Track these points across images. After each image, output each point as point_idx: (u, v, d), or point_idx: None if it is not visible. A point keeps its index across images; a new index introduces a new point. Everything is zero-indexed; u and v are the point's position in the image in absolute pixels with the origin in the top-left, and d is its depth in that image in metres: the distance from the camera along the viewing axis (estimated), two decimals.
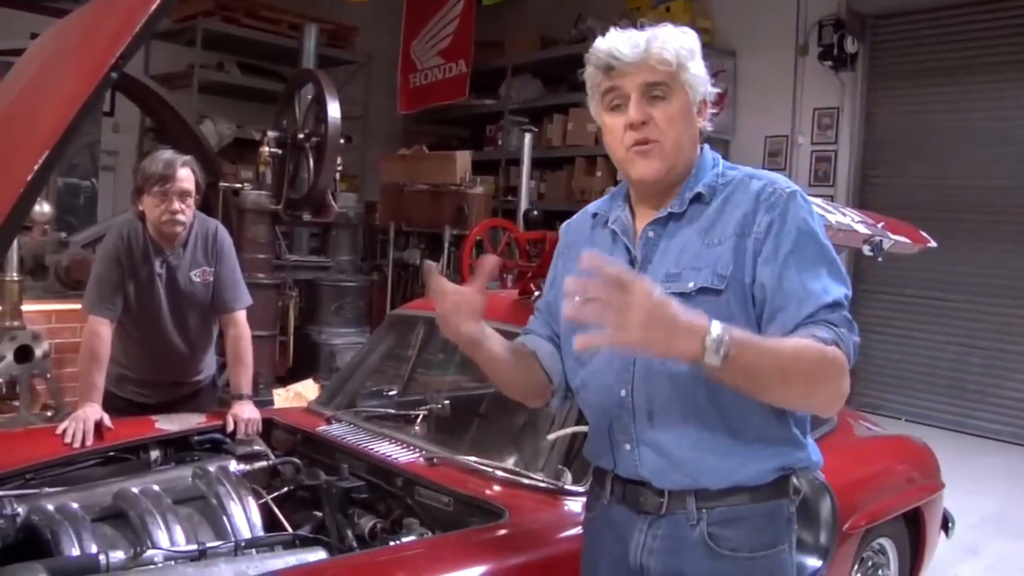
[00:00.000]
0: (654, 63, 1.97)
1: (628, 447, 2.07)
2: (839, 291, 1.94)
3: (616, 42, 2.00)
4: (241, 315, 3.84)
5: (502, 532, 2.55)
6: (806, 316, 1.89)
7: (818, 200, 3.47)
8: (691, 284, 1.97)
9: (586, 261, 1.70)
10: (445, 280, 2.12)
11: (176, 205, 3.59)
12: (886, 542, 3.83)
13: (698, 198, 2.06)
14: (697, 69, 2.03)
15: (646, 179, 2.05)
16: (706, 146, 2.14)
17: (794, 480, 2.08)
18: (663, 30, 2.01)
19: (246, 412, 3.53)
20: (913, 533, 3.94)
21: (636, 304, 1.65)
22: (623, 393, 2.05)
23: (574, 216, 2.38)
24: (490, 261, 2.25)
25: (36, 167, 1.75)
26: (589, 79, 2.08)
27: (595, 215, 2.27)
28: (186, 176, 3.62)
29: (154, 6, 1.77)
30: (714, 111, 2.12)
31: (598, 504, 2.21)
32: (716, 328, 1.70)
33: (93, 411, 3.33)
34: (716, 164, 2.12)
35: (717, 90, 2.11)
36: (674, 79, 1.99)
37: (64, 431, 3.23)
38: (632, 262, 2.08)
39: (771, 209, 1.98)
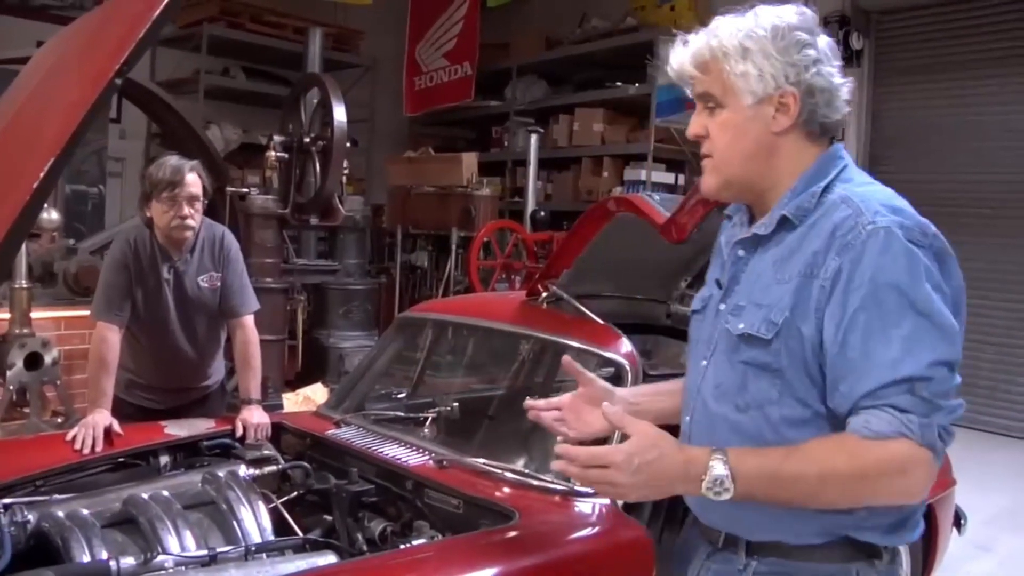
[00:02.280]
0: (693, 72, 1.82)
1: None
2: (924, 360, 1.62)
3: (672, 55, 1.85)
4: (249, 320, 3.84)
5: (512, 534, 2.54)
6: (865, 394, 1.63)
7: None
8: (741, 326, 1.79)
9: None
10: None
11: (185, 210, 3.60)
12: (900, 544, 3.81)
13: (785, 221, 1.80)
14: (751, 65, 1.76)
15: (707, 196, 1.93)
16: (827, 154, 1.84)
17: (869, 545, 1.82)
18: (719, 22, 1.82)
19: (255, 417, 3.53)
20: (925, 530, 3.92)
21: (618, 478, 1.64)
22: (687, 419, 1.95)
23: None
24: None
25: (42, 174, 1.76)
26: None
27: (729, 217, 2.05)
28: (194, 181, 3.63)
29: (157, 12, 1.77)
30: (849, 108, 1.84)
31: (687, 521, 2.11)
32: (717, 468, 1.61)
33: (102, 417, 3.33)
34: (824, 178, 1.80)
35: (808, 79, 1.77)
36: (719, 86, 1.79)
37: (73, 438, 3.22)
38: (720, 281, 1.94)
39: (843, 251, 1.67)
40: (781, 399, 1.75)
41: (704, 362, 1.90)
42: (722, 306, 1.89)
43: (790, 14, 1.79)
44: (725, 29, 1.80)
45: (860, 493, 1.67)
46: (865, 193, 1.75)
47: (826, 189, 1.79)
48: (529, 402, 2.23)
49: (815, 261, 1.71)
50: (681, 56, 1.83)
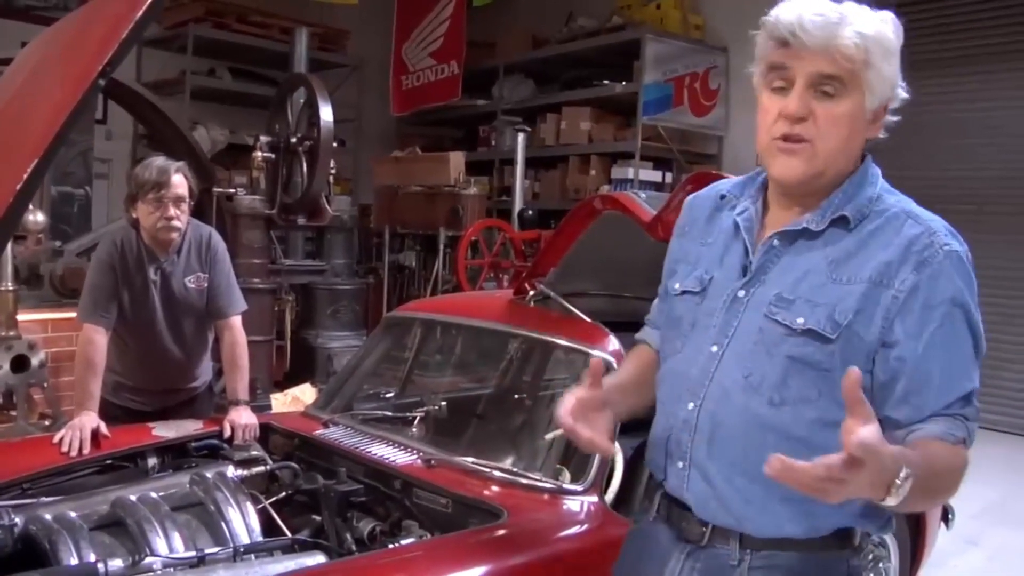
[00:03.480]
0: (836, 54, 1.68)
1: (680, 465, 1.88)
2: (977, 376, 1.74)
3: (804, 12, 1.69)
4: (236, 320, 3.83)
5: (501, 533, 2.55)
6: (944, 406, 1.69)
7: None
8: (800, 320, 1.74)
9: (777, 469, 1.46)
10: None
11: (171, 211, 3.59)
12: (886, 534, 3.82)
13: (841, 220, 1.78)
14: (888, 69, 1.74)
15: (784, 180, 1.80)
16: (869, 161, 1.85)
17: (860, 535, 1.86)
18: (860, 12, 1.72)
19: (243, 417, 3.53)
20: (913, 525, 3.94)
21: (863, 482, 1.47)
22: (690, 407, 1.85)
23: (701, 191, 2.10)
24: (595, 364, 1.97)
25: (26, 175, 1.75)
26: (759, 46, 1.78)
27: (723, 197, 2.00)
28: (180, 182, 3.62)
29: (140, 13, 1.76)
30: (895, 118, 1.83)
31: (644, 517, 2.05)
32: (903, 472, 1.50)
33: (90, 419, 3.32)
34: (875, 184, 1.82)
35: (905, 95, 1.80)
36: (853, 77, 1.71)
37: (61, 440, 3.22)
38: (747, 266, 1.86)
39: (921, 267, 1.70)
40: (820, 399, 1.74)
41: (715, 348, 1.84)
42: (742, 292, 1.84)
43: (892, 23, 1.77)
44: (878, 25, 1.73)
45: (952, 490, 1.72)
46: (923, 213, 1.79)
47: (878, 197, 1.81)
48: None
49: (888, 271, 1.71)
50: (828, 24, 1.69)
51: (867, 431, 1.42)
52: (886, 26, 1.74)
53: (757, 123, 1.81)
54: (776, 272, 1.81)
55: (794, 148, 1.74)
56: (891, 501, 1.52)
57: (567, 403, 1.87)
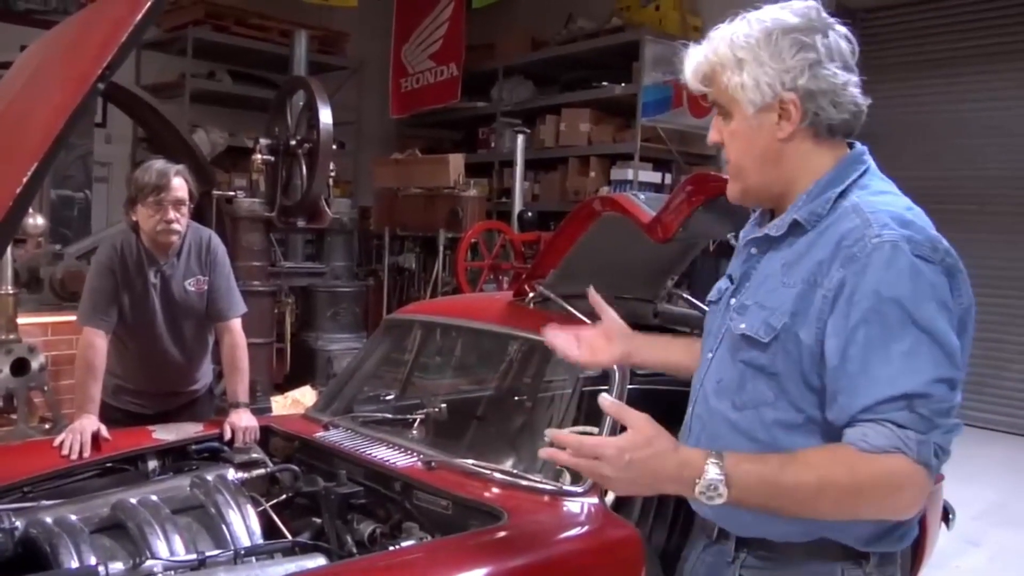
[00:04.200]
0: (697, 83, 1.82)
1: None
2: (923, 377, 1.60)
3: (684, 62, 1.84)
4: (236, 323, 3.83)
5: (501, 534, 2.54)
6: (862, 409, 1.62)
7: None
8: (742, 326, 1.79)
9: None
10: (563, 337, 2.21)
11: (171, 214, 3.59)
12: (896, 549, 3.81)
13: (796, 224, 1.79)
14: (748, 72, 1.74)
15: (733, 201, 1.92)
16: (844, 158, 1.82)
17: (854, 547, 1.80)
18: (713, 32, 1.80)
19: (243, 420, 3.53)
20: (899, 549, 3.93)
21: (606, 471, 1.65)
22: (690, 409, 1.96)
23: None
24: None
25: (25, 178, 1.75)
26: None
27: (754, 210, 2.05)
28: (180, 185, 3.62)
29: (139, 16, 1.77)
30: (861, 104, 1.79)
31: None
32: (712, 472, 1.60)
33: (90, 423, 3.32)
34: (841, 183, 1.78)
35: (805, 83, 1.73)
36: (721, 91, 1.79)
37: (61, 443, 3.22)
38: (731, 277, 1.96)
39: (848, 263, 1.66)
40: (776, 402, 1.76)
41: (710, 354, 1.93)
42: (732, 300, 1.91)
43: (787, 14, 1.76)
44: (720, 39, 1.78)
45: (853, 506, 1.66)
46: (877, 203, 1.73)
47: (841, 195, 1.77)
48: (550, 326, 2.30)
49: (819, 270, 1.70)
50: (687, 67, 1.83)
51: (619, 437, 1.65)
52: (737, 30, 1.76)
53: None
54: (753, 280, 1.87)
55: (729, 170, 1.88)
56: (702, 499, 1.62)
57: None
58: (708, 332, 2.00)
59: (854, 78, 1.78)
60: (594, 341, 2.21)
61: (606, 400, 1.70)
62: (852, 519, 1.70)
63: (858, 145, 1.87)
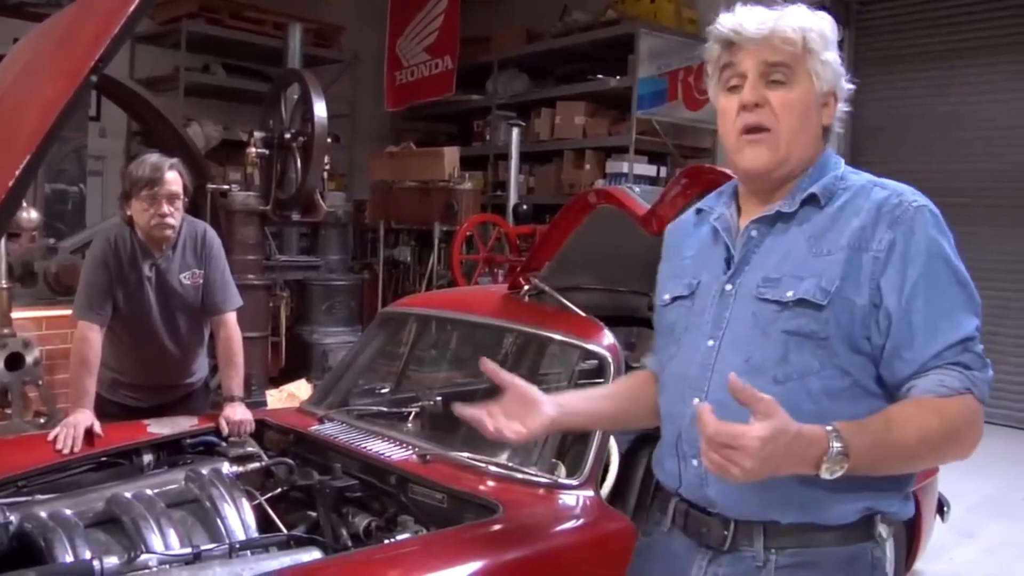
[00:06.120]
0: (778, 42, 1.82)
1: (696, 462, 1.86)
2: (971, 323, 1.77)
3: (741, 16, 1.85)
4: (231, 317, 3.83)
5: (496, 527, 2.55)
6: (933, 356, 1.74)
7: None
8: (790, 293, 1.80)
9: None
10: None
11: (165, 208, 3.57)
12: (903, 518, 3.81)
13: (811, 200, 1.87)
14: (829, 57, 1.86)
15: (753, 170, 1.89)
16: (830, 148, 1.95)
17: (880, 523, 1.88)
18: (794, 10, 1.87)
19: (238, 414, 3.53)
20: (908, 518, 3.94)
21: (745, 463, 1.56)
22: (696, 402, 1.82)
23: (679, 216, 2.22)
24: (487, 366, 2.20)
25: (18, 171, 1.75)
26: (708, 55, 1.93)
27: (699, 211, 2.10)
28: (174, 179, 3.60)
29: (132, 7, 1.76)
30: (847, 109, 1.93)
31: (657, 530, 2.04)
32: (836, 446, 1.61)
33: (84, 417, 3.32)
34: (837, 166, 1.92)
35: (851, 86, 1.91)
36: (798, 63, 1.84)
37: (55, 437, 3.21)
38: (729, 261, 1.94)
39: (895, 224, 1.78)
40: (823, 369, 1.79)
41: (711, 342, 1.89)
42: (729, 286, 1.90)
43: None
44: (815, 20, 1.87)
45: (947, 448, 1.77)
46: (888, 181, 1.88)
47: (840, 178, 1.90)
48: (459, 409, 2.20)
49: (864, 235, 1.79)
50: (765, 21, 1.84)
51: (760, 426, 1.56)
52: (822, 20, 1.88)
53: (720, 130, 1.95)
54: (758, 258, 1.89)
55: (758, 138, 1.85)
56: (825, 475, 1.61)
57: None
58: (690, 326, 1.96)
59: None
60: (513, 411, 2.11)
61: (737, 382, 1.59)
62: (940, 462, 1.86)
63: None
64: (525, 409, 2.08)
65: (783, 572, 1.82)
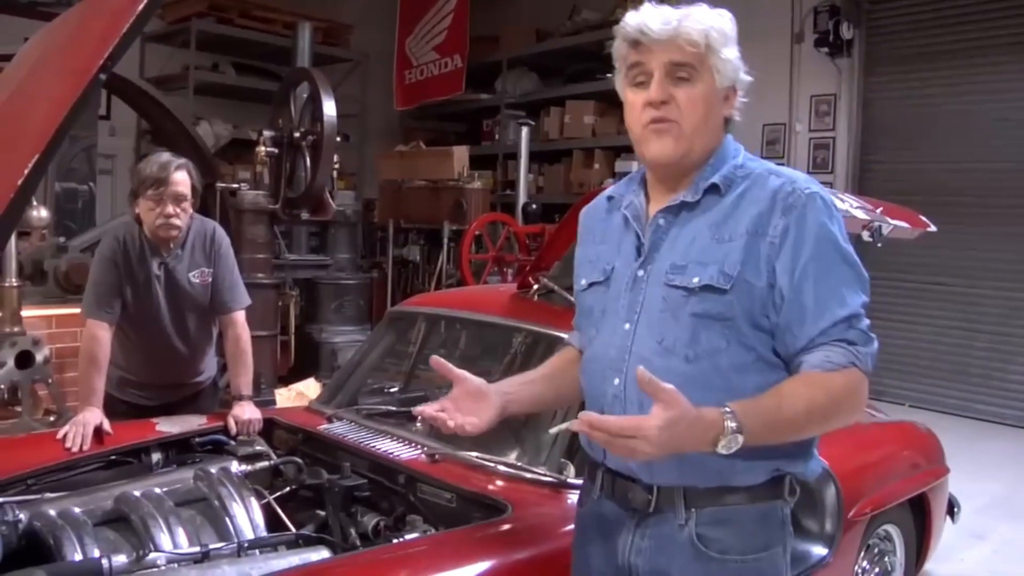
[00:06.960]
0: (682, 42, 1.92)
1: None
2: (856, 301, 1.91)
3: (647, 17, 1.94)
4: (240, 316, 3.82)
5: (505, 527, 2.54)
6: (820, 332, 1.89)
7: None
8: (696, 280, 1.93)
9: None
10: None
11: (170, 209, 3.55)
12: (892, 528, 3.81)
13: (713, 189, 1.99)
14: (729, 54, 1.97)
15: (659, 159, 2.00)
16: (729, 136, 2.08)
17: (789, 481, 2.03)
18: (697, 10, 1.97)
19: (247, 413, 3.52)
20: (919, 519, 3.93)
21: (646, 448, 1.70)
22: (616, 381, 2.02)
23: (593, 200, 2.33)
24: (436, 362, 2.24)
25: (27, 169, 1.74)
26: (616, 52, 2.04)
27: (611, 198, 2.22)
28: (181, 180, 3.58)
29: (140, 6, 1.75)
30: (744, 99, 2.05)
31: (589, 499, 2.18)
32: (731, 425, 1.75)
33: (93, 415, 3.32)
34: (736, 155, 2.05)
35: (749, 79, 2.04)
36: (701, 62, 1.94)
37: (64, 436, 3.21)
38: (640, 248, 2.05)
39: (788, 211, 1.92)
40: (729, 347, 1.94)
41: (627, 326, 2.02)
42: (641, 272, 2.03)
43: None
44: (714, 18, 1.97)
45: (833, 419, 1.91)
46: (783, 169, 2.04)
47: (742, 165, 2.03)
48: (417, 409, 2.23)
49: (760, 221, 1.93)
50: (687, 26, 1.93)
51: (659, 416, 1.69)
52: (722, 19, 1.98)
53: (627, 121, 2.05)
54: (666, 246, 2.02)
55: (664, 128, 1.96)
56: (723, 451, 1.75)
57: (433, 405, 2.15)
58: (607, 310, 2.09)
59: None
60: (465, 405, 2.15)
61: (645, 375, 1.72)
62: (828, 430, 1.95)
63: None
64: (476, 402, 2.15)
65: (704, 528, 1.97)
